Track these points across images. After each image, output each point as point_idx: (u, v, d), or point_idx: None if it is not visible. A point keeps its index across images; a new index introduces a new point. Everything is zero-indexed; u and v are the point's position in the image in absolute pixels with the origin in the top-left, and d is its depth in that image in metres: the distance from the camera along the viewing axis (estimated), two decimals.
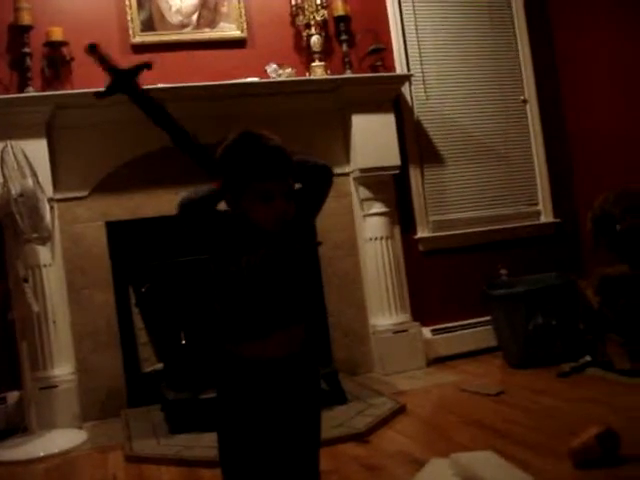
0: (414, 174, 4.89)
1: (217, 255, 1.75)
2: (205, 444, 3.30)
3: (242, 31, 4.57)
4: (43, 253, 4.01)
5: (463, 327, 4.86)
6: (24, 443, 3.66)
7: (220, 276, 1.76)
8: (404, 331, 4.59)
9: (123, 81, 1.84)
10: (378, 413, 3.58)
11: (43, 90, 4.16)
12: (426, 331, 4.75)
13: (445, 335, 4.81)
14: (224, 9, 4.55)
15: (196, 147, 1.79)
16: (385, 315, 4.60)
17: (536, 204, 5.26)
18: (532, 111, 5.26)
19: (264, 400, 1.74)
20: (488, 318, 4.69)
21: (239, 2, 4.57)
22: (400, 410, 3.67)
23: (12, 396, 4.00)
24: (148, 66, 1.90)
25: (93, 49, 1.87)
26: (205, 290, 1.96)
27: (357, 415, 3.59)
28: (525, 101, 5.25)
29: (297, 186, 1.75)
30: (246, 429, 1.74)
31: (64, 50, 4.21)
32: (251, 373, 1.74)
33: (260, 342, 1.73)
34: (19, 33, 4.13)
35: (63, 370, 4.02)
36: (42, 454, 3.55)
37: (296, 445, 1.80)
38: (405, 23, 4.94)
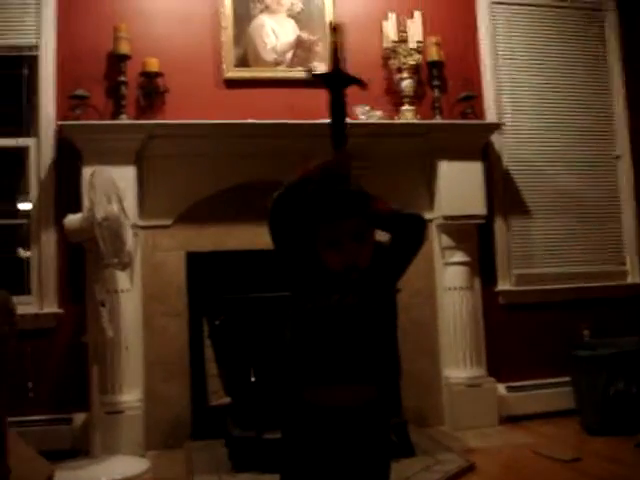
0: (499, 224, 4.78)
1: (294, 289, 1.73)
2: None
3: None
4: (122, 279, 4.05)
5: (540, 386, 4.66)
6: (87, 466, 3.66)
7: (293, 315, 1.73)
8: (478, 385, 4.45)
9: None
10: (446, 470, 3.46)
11: (136, 119, 4.25)
12: (501, 387, 4.59)
13: (520, 393, 4.62)
14: (318, 49, 4.57)
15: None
16: (459, 367, 4.47)
17: (624, 264, 5.07)
18: (624, 168, 5.09)
19: (329, 448, 1.70)
20: (567, 379, 4.50)
21: None
22: (469, 469, 3.54)
23: (78, 417, 4.02)
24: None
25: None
26: (279, 328, 1.94)
27: (424, 470, 3.47)
28: (618, 157, 5.10)
29: (384, 237, 1.71)
30: (310, 475, 1.69)
31: (159, 81, 4.30)
32: (317, 419, 1.70)
33: (324, 389, 1.68)
34: (117, 62, 4.23)
35: (131, 396, 4.03)
36: (103, 479, 3.54)
37: None
38: (499, 72, 4.87)
